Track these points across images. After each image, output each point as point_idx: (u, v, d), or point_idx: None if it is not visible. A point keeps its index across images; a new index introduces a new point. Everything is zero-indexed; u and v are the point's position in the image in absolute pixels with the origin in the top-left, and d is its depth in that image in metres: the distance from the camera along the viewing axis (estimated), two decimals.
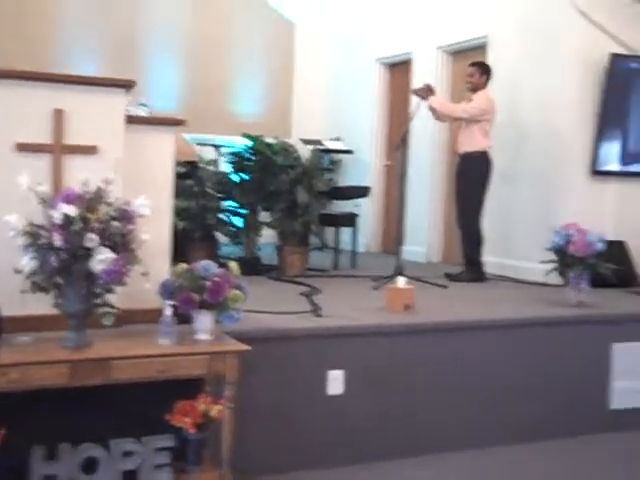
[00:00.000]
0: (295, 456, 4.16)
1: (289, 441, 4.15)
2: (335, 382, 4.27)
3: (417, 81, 8.26)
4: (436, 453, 4.49)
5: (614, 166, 6.79)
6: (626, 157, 6.83)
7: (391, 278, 5.81)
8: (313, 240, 7.01)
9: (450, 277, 6.69)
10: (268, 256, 6.94)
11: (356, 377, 4.32)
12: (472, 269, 6.68)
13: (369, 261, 7.96)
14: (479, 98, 6.67)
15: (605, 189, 6.80)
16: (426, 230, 8.34)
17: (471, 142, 6.65)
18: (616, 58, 6.66)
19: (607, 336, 5.12)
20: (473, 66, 6.84)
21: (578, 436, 4.90)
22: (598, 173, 6.74)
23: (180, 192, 5.20)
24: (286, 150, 7.09)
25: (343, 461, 4.25)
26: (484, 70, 6.78)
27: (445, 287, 6.15)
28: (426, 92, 6.65)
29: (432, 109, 6.77)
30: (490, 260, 7.08)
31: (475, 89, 6.72)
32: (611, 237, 6.21)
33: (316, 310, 4.71)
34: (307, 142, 8.95)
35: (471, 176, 6.67)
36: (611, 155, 6.76)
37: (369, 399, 4.38)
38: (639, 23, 6.85)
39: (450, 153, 8.23)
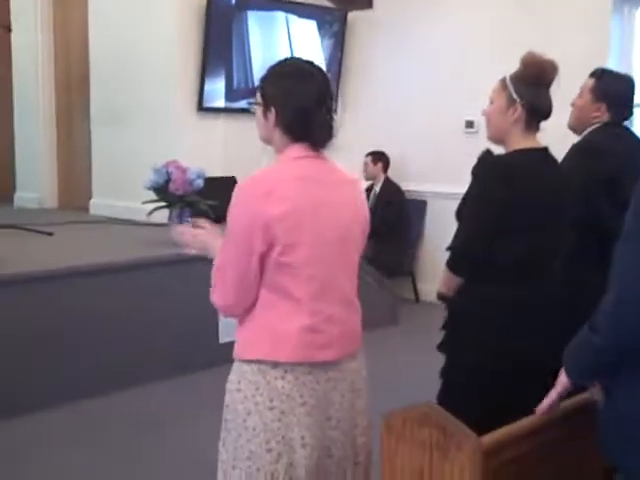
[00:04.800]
0: None
1: None
2: None
3: None
4: (57, 404, 4.29)
5: (220, 102, 6.82)
6: (231, 93, 6.87)
7: None
8: None
9: None
10: None
11: None
12: None
13: None
14: None
15: (213, 126, 6.82)
16: (38, 174, 7.83)
17: None
18: None
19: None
20: None
21: (197, 372, 4.88)
22: (205, 110, 6.73)
23: None
24: None
25: None
26: None
27: (51, 234, 5.80)
28: None
29: None
30: (101, 202, 6.92)
31: None
32: (221, 173, 6.31)
33: None
34: None
35: None
36: (217, 92, 6.76)
37: None
38: None
39: (61, 87, 7.80)
